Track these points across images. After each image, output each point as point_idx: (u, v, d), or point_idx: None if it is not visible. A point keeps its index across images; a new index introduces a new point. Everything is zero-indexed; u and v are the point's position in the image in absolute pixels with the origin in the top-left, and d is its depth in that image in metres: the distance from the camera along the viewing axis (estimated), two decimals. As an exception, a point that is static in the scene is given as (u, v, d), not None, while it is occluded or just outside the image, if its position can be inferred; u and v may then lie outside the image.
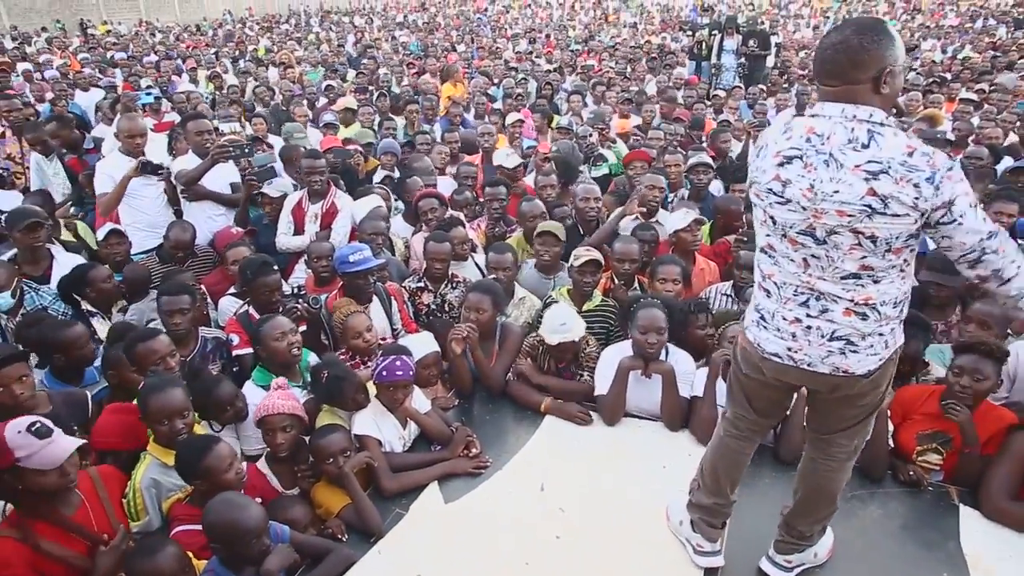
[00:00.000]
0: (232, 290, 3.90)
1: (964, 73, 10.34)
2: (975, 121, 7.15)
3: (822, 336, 1.95)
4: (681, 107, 8.38)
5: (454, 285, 3.97)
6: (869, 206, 1.75)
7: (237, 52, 14.93)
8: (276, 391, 2.74)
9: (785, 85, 10.00)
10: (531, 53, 13.91)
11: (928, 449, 2.88)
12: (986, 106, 7.88)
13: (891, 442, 2.92)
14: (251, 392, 3.00)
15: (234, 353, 3.41)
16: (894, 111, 1.87)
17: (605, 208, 5.26)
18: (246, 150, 4.76)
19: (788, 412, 2.69)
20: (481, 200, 5.09)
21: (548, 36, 16.94)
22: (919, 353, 3.08)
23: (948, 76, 10.42)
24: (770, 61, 11.52)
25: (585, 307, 3.67)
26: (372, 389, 3.01)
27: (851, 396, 2.03)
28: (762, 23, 13.28)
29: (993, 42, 15.09)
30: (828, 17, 23.75)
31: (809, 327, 1.96)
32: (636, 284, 3.93)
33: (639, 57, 12.45)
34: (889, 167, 1.73)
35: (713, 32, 11.39)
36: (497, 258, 3.83)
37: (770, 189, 1.93)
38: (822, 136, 1.82)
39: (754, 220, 2.07)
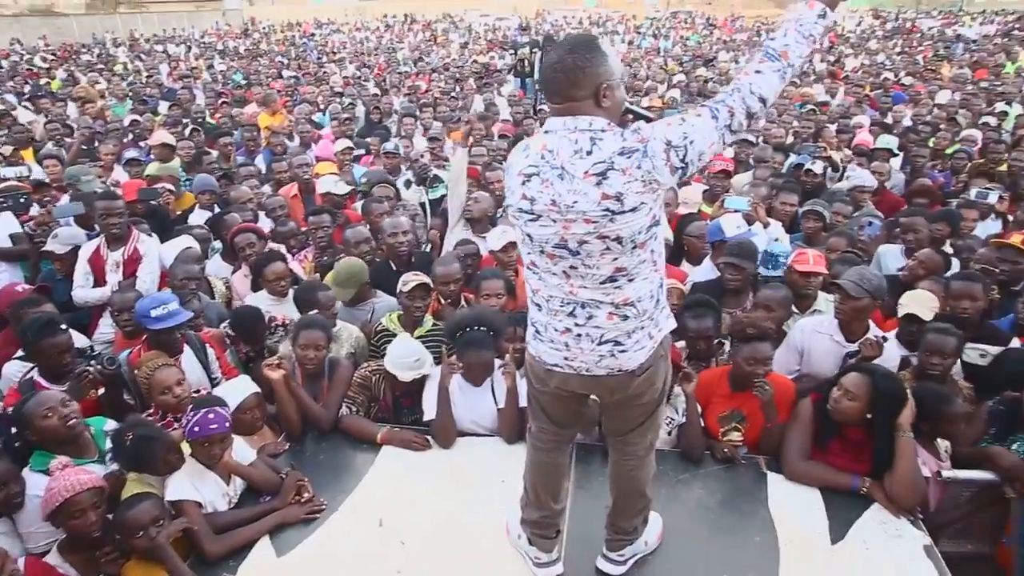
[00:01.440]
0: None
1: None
2: (761, 122, 7.97)
3: (592, 342, 2.04)
4: (508, 123, 8.64)
5: (272, 330, 3.77)
6: (608, 209, 1.86)
7: (26, 86, 13.39)
8: (62, 471, 2.43)
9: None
10: (359, 77, 13.75)
11: (730, 428, 3.13)
12: (771, 108, 8.86)
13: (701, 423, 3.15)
14: (31, 481, 2.62)
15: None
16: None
17: (436, 231, 5.30)
18: (21, 200, 4.25)
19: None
20: (304, 230, 4.92)
21: (377, 59, 16.87)
22: (710, 332, 3.35)
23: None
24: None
25: (417, 333, 3.64)
26: (187, 447, 2.78)
27: (631, 396, 2.15)
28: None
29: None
30: (641, 33, 25.70)
31: (579, 335, 2.05)
32: (464, 301, 3.96)
33: (466, 76, 12.73)
34: (613, 163, 1.84)
35: (533, 50, 11.88)
36: (325, 296, 3.73)
37: (520, 208, 2.00)
38: (553, 152, 1.91)
39: (517, 239, 2.16)
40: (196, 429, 2.65)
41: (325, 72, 14.24)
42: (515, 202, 2.02)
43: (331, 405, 3.27)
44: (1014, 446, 2.97)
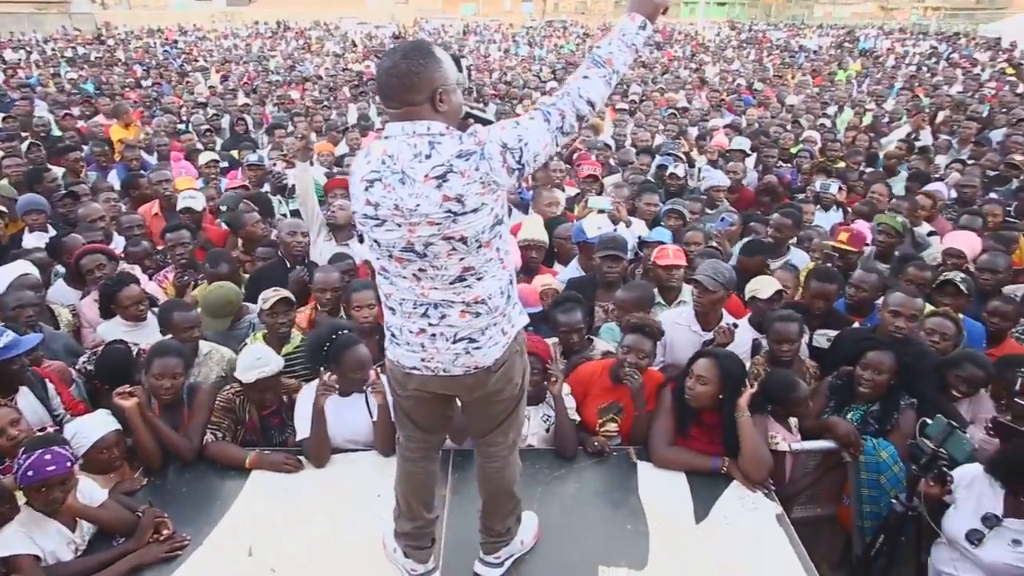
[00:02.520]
0: None
1: (619, 87, 12.09)
2: (630, 127, 8.37)
3: (447, 340, 2.07)
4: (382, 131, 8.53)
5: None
6: (450, 211, 1.89)
7: None
8: None
9: (481, 107, 10.75)
10: (227, 86, 13.10)
11: (607, 420, 3.25)
12: (638, 113, 9.31)
13: (577, 418, 3.24)
14: None
15: None
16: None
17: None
18: None
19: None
20: (161, 249, 4.63)
21: (247, 68, 16.15)
22: (580, 325, 3.47)
23: (610, 90, 12.13)
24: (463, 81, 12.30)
25: (285, 350, 3.50)
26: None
27: (490, 394, 2.19)
28: (452, 48, 14.12)
29: (643, 61, 17.92)
30: (516, 42, 26.20)
31: (434, 335, 2.07)
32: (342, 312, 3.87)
33: (341, 85, 12.46)
34: (452, 166, 1.87)
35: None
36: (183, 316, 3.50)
37: (365, 214, 2.01)
38: (393, 156, 1.93)
39: (366, 245, 2.15)
40: (30, 474, 2.41)
41: (188, 82, 13.46)
42: (360, 208, 2.02)
43: (193, 433, 3.09)
44: (849, 415, 3.28)
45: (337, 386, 3.06)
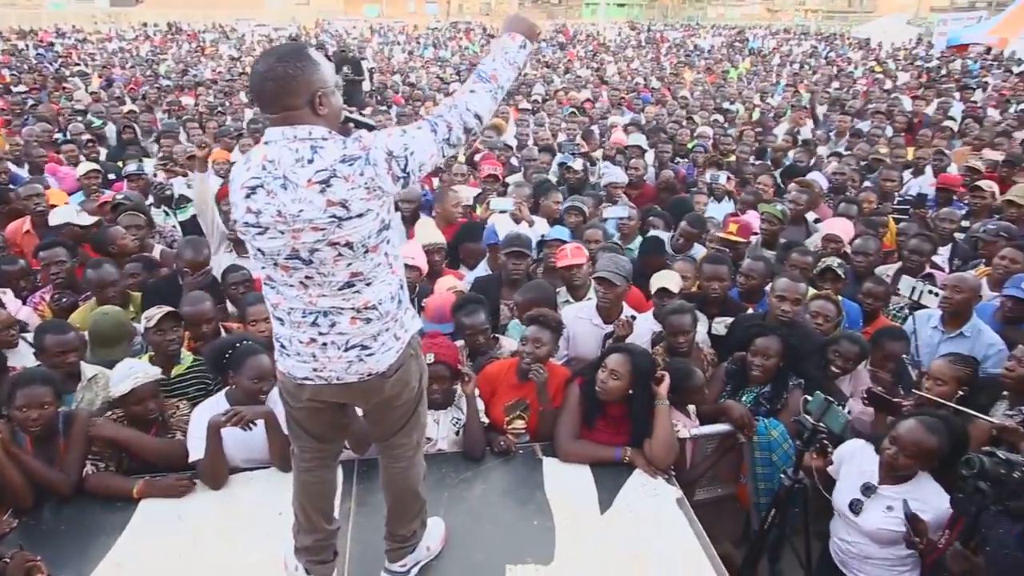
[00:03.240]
0: None
1: (523, 88, 12.23)
2: (531, 126, 8.46)
3: (339, 348, 2.03)
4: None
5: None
6: (335, 216, 1.85)
7: None
8: None
9: (384, 108, 10.60)
10: (111, 92, 12.30)
11: (514, 417, 3.27)
12: (540, 112, 9.43)
13: (486, 419, 3.24)
14: None
15: None
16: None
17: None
18: None
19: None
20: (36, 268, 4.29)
21: (133, 72, 15.23)
22: (485, 326, 3.49)
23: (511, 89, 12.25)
24: (366, 86, 12.10)
25: (176, 371, 3.32)
26: None
27: (387, 399, 2.17)
28: (352, 50, 13.85)
29: (546, 61, 18.22)
30: (421, 44, 26.00)
31: (325, 344, 2.03)
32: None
33: (237, 90, 11.97)
34: (335, 170, 1.84)
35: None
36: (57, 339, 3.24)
37: (246, 222, 1.95)
38: (274, 162, 1.88)
39: (250, 254, 2.09)
40: None
41: (66, 88, 12.55)
42: (241, 216, 1.96)
43: (70, 466, 2.86)
44: (743, 398, 3.44)
45: (244, 419, 2.88)
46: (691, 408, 3.33)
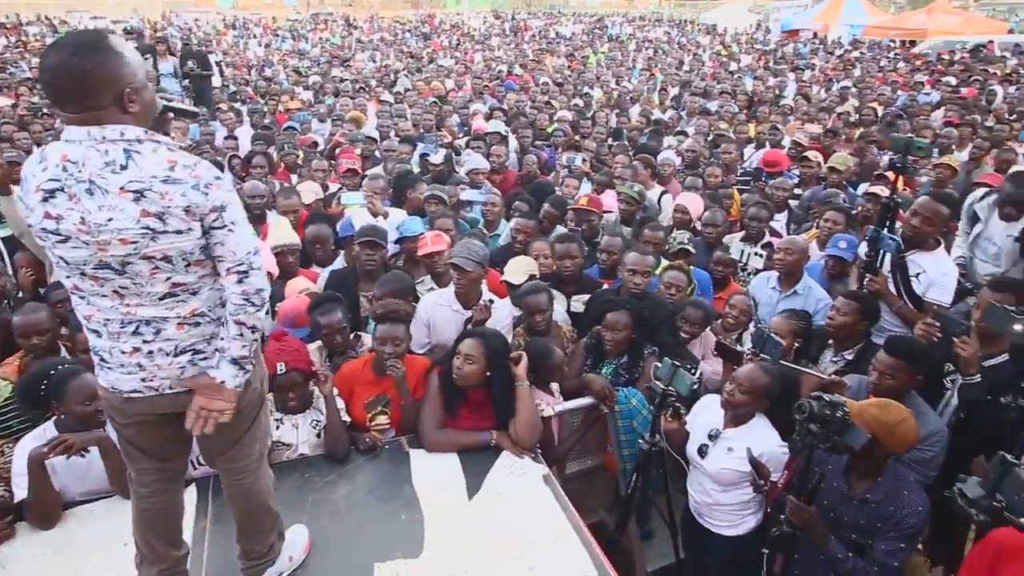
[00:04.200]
0: None
1: (385, 78, 12.02)
2: (392, 119, 8.30)
3: (168, 355, 1.88)
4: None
5: None
6: (148, 227, 1.71)
7: None
8: None
9: (238, 105, 10.02)
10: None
11: (376, 413, 3.19)
12: (402, 103, 9.29)
13: (348, 418, 3.14)
14: None
15: None
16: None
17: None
18: None
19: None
20: None
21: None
22: (343, 324, 3.38)
23: (374, 82, 12.00)
24: (216, 80, 11.40)
25: (-10, 402, 2.96)
26: None
27: None
28: (198, 44, 12.98)
29: (410, 51, 17.99)
30: (279, 35, 24.85)
31: (151, 352, 1.87)
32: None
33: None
34: (151, 186, 1.69)
35: (145, 56, 10.63)
36: None
37: (44, 228, 1.74)
38: (77, 163, 1.68)
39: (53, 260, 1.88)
40: None
41: None
42: (38, 222, 1.73)
43: None
44: (604, 370, 3.55)
45: (72, 447, 2.60)
46: (554, 386, 3.39)
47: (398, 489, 2.89)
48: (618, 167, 5.98)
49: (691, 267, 4.24)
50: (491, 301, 3.56)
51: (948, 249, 4.21)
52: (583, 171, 6.11)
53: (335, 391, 3.10)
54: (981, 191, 4.51)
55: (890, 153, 5.60)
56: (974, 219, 4.37)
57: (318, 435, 3.08)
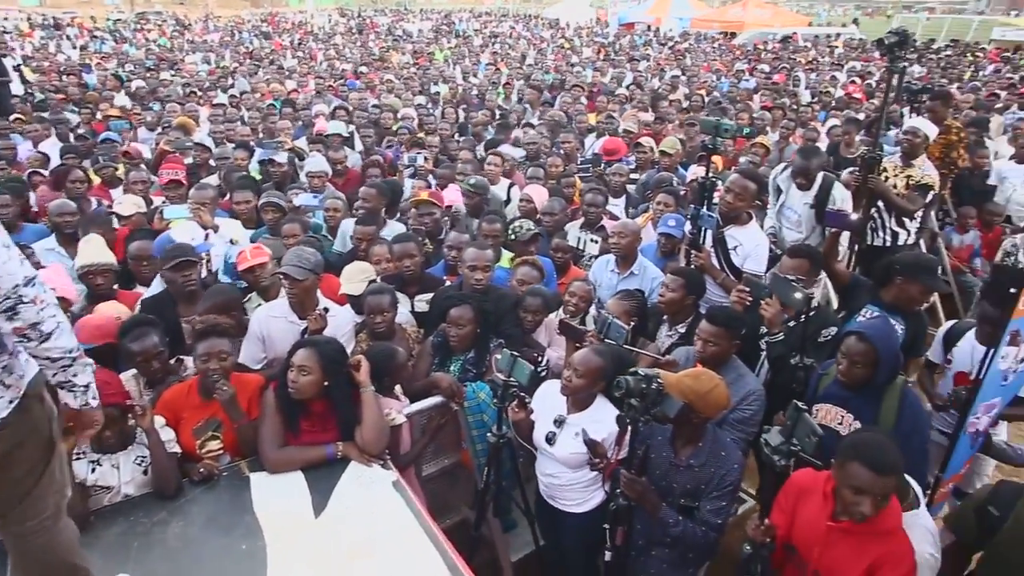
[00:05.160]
0: None
1: (221, 80, 11.30)
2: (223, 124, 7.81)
3: None
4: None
5: None
6: None
7: None
8: None
9: (47, 115, 8.99)
10: None
11: (207, 439, 2.97)
12: (240, 107, 8.78)
13: (178, 448, 2.90)
14: None
15: None
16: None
17: None
18: None
19: None
20: None
21: None
22: (160, 349, 3.12)
23: (208, 85, 11.25)
24: (17, 87, 10.17)
25: None
26: None
27: (7, 456, 1.80)
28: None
29: (248, 52, 17.03)
30: (97, 37, 22.65)
31: None
32: None
33: None
34: None
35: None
36: None
37: None
38: None
39: None
40: None
41: None
42: None
43: None
44: (452, 367, 3.54)
45: None
46: (398, 389, 3.33)
47: (238, 518, 2.71)
48: (459, 163, 5.99)
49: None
50: (326, 309, 3.43)
51: (762, 223, 4.61)
52: (427, 169, 6.06)
53: (160, 421, 2.86)
54: (781, 165, 4.97)
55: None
56: (778, 191, 4.80)
57: (144, 472, 2.82)
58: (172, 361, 3.24)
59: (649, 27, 21.85)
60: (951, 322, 3.83)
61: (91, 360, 1.98)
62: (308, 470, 2.91)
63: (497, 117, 8.46)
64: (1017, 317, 2.75)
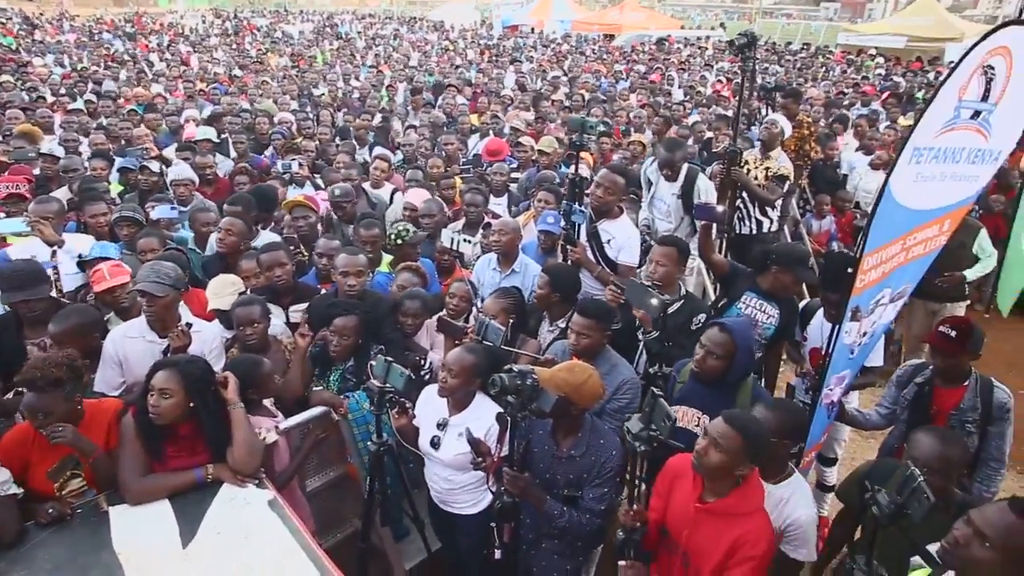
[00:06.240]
0: None
1: (79, 84, 10.44)
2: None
3: None
4: None
5: None
6: None
7: None
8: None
9: None
10: None
11: (67, 479, 2.73)
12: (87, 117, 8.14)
13: (18, 491, 2.62)
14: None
15: None
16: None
17: None
18: None
19: None
20: None
21: None
22: None
23: (63, 90, 10.39)
24: None
25: None
26: None
27: None
28: None
29: (110, 55, 15.87)
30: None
31: None
32: None
33: None
34: None
35: None
36: None
37: None
38: None
39: None
40: None
41: None
42: None
43: None
44: (332, 377, 3.44)
45: None
46: (268, 403, 3.18)
47: (94, 557, 2.49)
48: (340, 167, 5.84)
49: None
50: (189, 325, 3.22)
51: (637, 215, 4.78)
52: (303, 175, 5.87)
53: (-5, 467, 2.58)
54: (651, 159, 5.19)
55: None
56: (649, 184, 5.01)
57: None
58: (11, 395, 2.94)
59: (532, 29, 22.26)
60: (804, 301, 4.14)
61: None
62: (174, 498, 2.74)
63: (379, 120, 8.31)
64: (855, 295, 2.98)
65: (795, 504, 2.59)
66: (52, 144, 6.88)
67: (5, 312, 3.33)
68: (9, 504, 2.55)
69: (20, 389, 2.98)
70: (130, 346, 3.19)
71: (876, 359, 3.64)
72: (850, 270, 2.89)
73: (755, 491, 2.41)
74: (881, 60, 18.54)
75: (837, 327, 3.03)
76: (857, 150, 7.68)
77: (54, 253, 3.91)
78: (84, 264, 3.79)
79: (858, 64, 17.65)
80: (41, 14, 28.28)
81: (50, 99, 9.35)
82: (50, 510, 2.62)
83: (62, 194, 5.34)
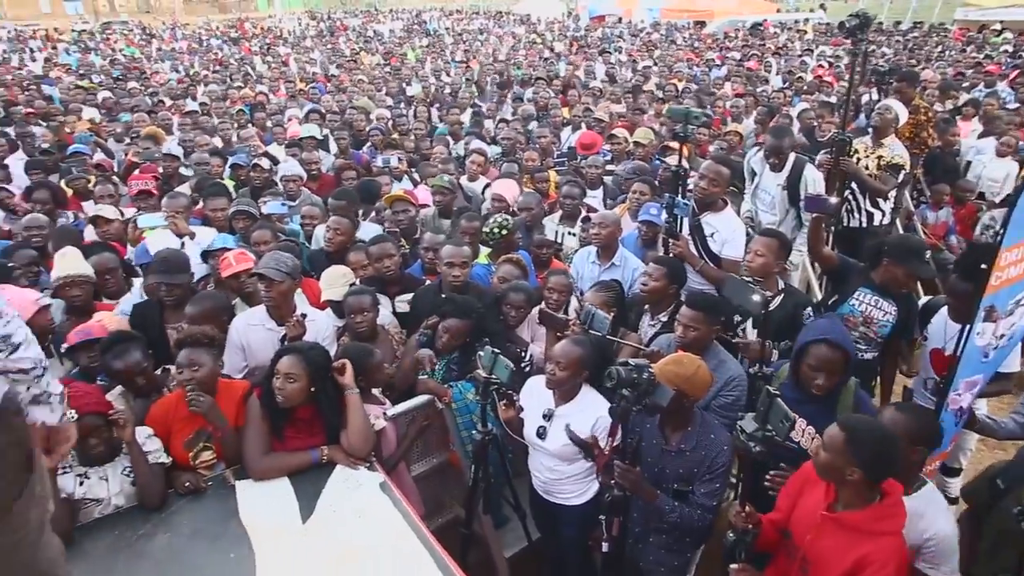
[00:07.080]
0: None
1: (190, 89, 11.13)
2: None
3: None
4: None
5: None
6: None
7: None
8: None
9: (10, 130, 8.81)
10: None
11: (200, 450, 2.94)
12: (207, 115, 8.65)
13: (167, 459, 2.86)
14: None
15: None
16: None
17: None
18: None
19: None
20: None
21: None
22: (143, 365, 3.05)
23: (179, 93, 11.10)
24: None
25: None
26: None
27: None
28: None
29: (219, 59, 16.81)
30: (61, 50, 22.20)
31: None
32: None
33: None
34: None
35: None
36: None
37: None
38: None
39: None
40: None
41: None
42: None
43: None
44: (436, 367, 3.52)
45: None
46: (377, 392, 3.30)
47: (224, 527, 2.68)
48: (437, 162, 5.97)
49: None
50: (304, 315, 3.39)
51: (739, 208, 4.63)
52: (402, 171, 6.03)
53: (145, 432, 2.82)
54: (755, 148, 5.00)
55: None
56: (752, 174, 4.84)
57: (133, 483, 2.78)
58: (159, 371, 3.20)
59: (620, 19, 21.92)
60: (926, 298, 3.89)
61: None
62: (294, 476, 2.90)
63: (470, 115, 8.43)
64: (990, 293, 2.78)
65: (933, 517, 2.40)
66: (172, 144, 7.39)
67: (147, 300, 3.62)
68: (158, 472, 2.78)
69: (166, 367, 3.25)
70: (252, 333, 3.40)
71: (1013, 364, 3.37)
72: (983, 265, 2.70)
73: (895, 512, 2.23)
74: (1009, 35, 16.99)
75: (968, 327, 2.83)
76: (981, 136, 7.12)
77: (183, 244, 4.20)
78: (206, 255, 4.05)
79: (979, 42, 16.30)
80: (150, 24, 30.37)
81: (168, 103, 10.03)
82: (187, 483, 2.84)
83: (183, 191, 5.74)
